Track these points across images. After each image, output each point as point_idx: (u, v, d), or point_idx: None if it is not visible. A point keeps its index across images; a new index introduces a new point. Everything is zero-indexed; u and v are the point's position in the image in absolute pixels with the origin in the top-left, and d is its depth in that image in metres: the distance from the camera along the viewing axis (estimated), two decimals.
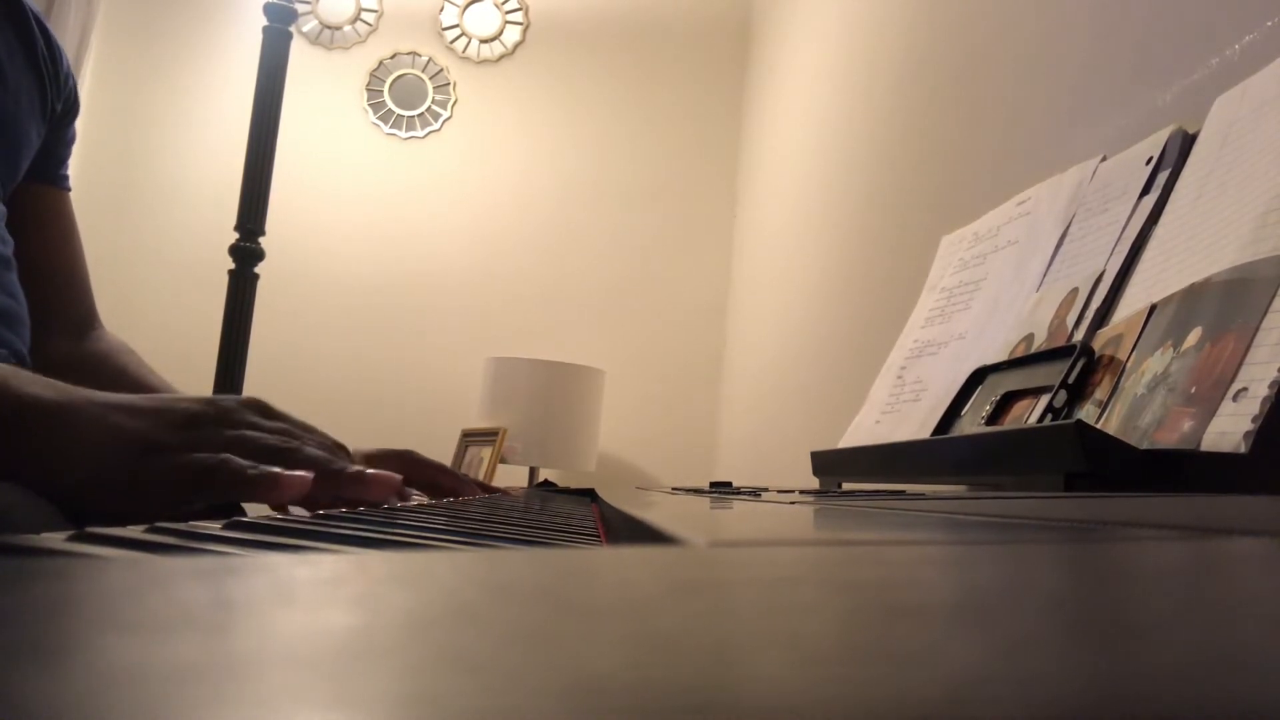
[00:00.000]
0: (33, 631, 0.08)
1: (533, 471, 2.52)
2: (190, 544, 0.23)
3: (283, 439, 0.53)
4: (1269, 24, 0.70)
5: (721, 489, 0.91)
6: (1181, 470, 0.51)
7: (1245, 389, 0.47)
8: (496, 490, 0.75)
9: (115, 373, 0.82)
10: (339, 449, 0.57)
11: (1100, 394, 0.62)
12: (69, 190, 0.89)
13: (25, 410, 0.48)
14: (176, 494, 0.48)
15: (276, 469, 0.48)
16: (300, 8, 1.99)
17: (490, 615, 0.09)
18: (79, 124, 0.91)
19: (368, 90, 2.92)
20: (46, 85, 0.81)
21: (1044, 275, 0.83)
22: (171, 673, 0.07)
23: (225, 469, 0.48)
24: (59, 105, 0.84)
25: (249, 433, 0.52)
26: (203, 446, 0.49)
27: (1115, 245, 0.73)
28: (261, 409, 0.55)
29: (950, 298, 1.01)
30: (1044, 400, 0.68)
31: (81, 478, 0.48)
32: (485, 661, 0.07)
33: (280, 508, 0.53)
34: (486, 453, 2.38)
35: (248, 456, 0.49)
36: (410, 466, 0.69)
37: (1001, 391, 0.77)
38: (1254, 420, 0.45)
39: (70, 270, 0.88)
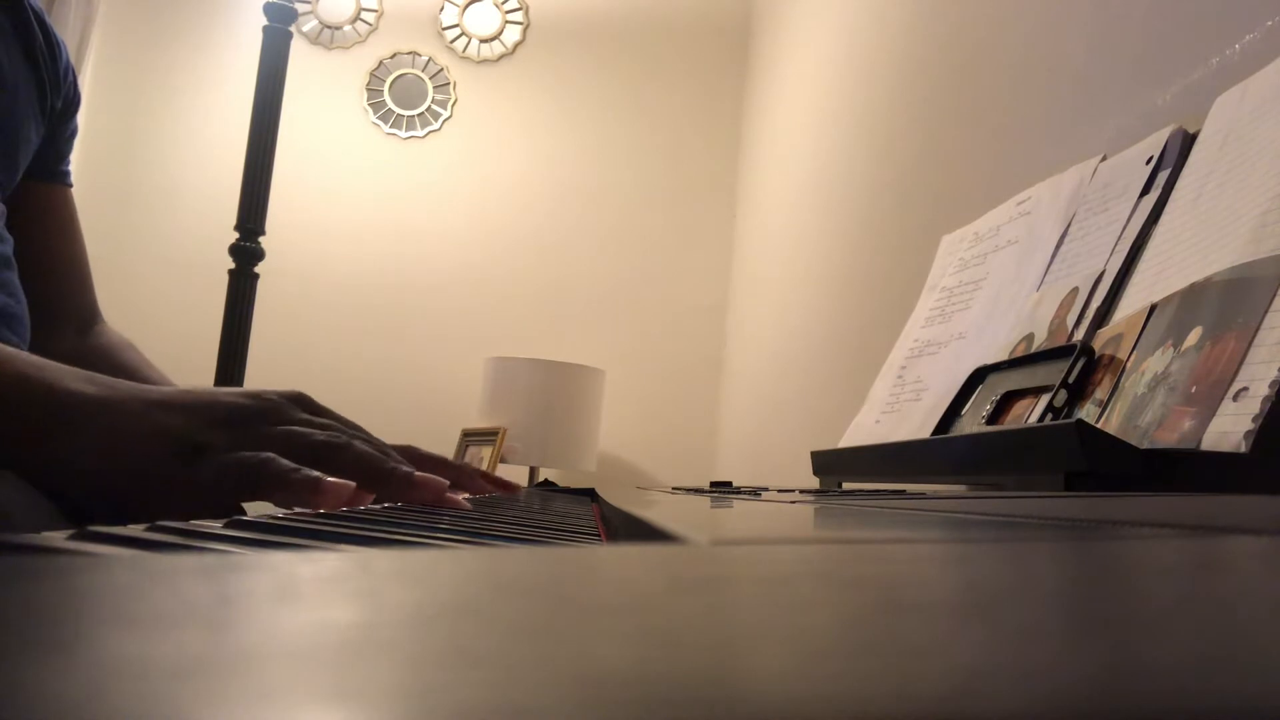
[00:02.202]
0: (35, 628, 0.08)
1: (533, 471, 2.52)
2: (192, 542, 0.23)
3: (331, 435, 0.51)
4: (1269, 24, 0.70)
5: (722, 489, 0.91)
6: (1182, 470, 0.51)
7: (1246, 388, 0.47)
8: (502, 481, 0.72)
9: (116, 369, 0.82)
10: (385, 448, 0.55)
11: (1100, 393, 0.62)
12: (70, 186, 0.89)
13: (64, 407, 0.47)
14: (217, 495, 0.46)
15: (318, 474, 0.46)
16: (300, 8, 1.99)
17: (492, 611, 0.09)
18: (80, 119, 0.91)
19: (368, 90, 2.92)
20: (45, 82, 0.81)
21: (1044, 275, 0.83)
22: (174, 667, 0.07)
23: (269, 469, 0.46)
24: (58, 102, 0.84)
25: (295, 429, 0.50)
26: (246, 444, 0.48)
27: (1115, 245, 0.73)
28: (306, 404, 0.53)
29: (950, 297, 1.01)
30: (1044, 400, 0.68)
31: (123, 477, 0.47)
32: (488, 656, 0.07)
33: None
34: (487, 452, 2.38)
35: (294, 454, 0.47)
36: (412, 462, 0.68)
37: (1001, 391, 0.77)
38: (1254, 420, 0.45)
39: (71, 266, 0.88)
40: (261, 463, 0.46)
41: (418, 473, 0.50)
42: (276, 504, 0.48)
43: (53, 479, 0.48)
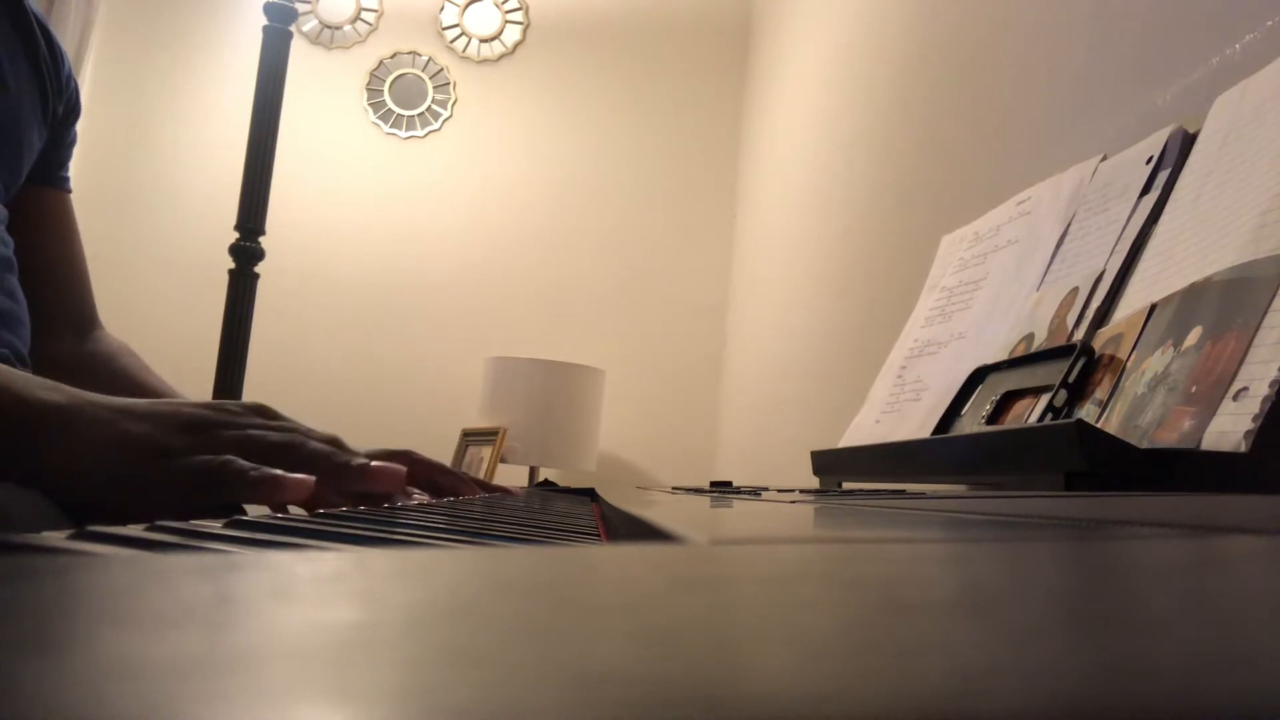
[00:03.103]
0: (34, 627, 0.08)
1: (533, 471, 2.52)
2: (190, 542, 0.23)
3: (286, 436, 0.53)
4: (1269, 24, 0.70)
5: (722, 489, 0.91)
6: (1182, 470, 0.51)
7: (1246, 388, 0.47)
8: (497, 488, 0.74)
9: (115, 374, 0.83)
10: (338, 444, 0.57)
11: (1100, 393, 0.62)
12: (70, 192, 0.89)
13: (30, 415, 0.48)
14: (182, 498, 0.48)
15: (278, 470, 0.48)
16: (300, 7, 1.99)
17: (492, 610, 0.09)
18: (79, 123, 0.91)
19: (368, 90, 2.93)
20: (48, 88, 0.81)
21: (1044, 274, 0.83)
22: (172, 667, 0.07)
23: (227, 470, 0.48)
24: (60, 108, 0.84)
25: (253, 432, 0.52)
26: (207, 449, 0.50)
27: (1115, 245, 0.73)
28: (264, 412, 0.56)
29: (950, 297, 1.01)
30: (1044, 400, 0.68)
31: (88, 483, 0.48)
32: (487, 656, 0.07)
33: (282, 507, 0.53)
34: (486, 452, 2.38)
35: (251, 457, 0.49)
36: (409, 466, 0.69)
37: (1001, 391, 0.77)
38: (1254, 419, 0.45)
39: (71, 272, 0.88)
40: (222, 464, 0.48)
41: (374, 463, 0.52)
42: (244, 504, 0.50)
43: (27, 484, 0.49)
